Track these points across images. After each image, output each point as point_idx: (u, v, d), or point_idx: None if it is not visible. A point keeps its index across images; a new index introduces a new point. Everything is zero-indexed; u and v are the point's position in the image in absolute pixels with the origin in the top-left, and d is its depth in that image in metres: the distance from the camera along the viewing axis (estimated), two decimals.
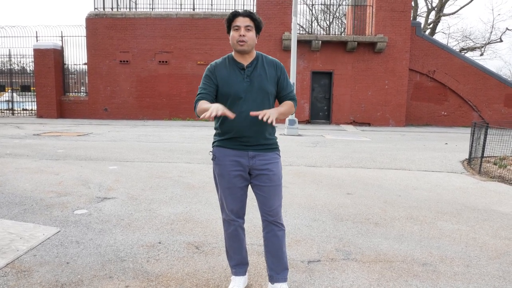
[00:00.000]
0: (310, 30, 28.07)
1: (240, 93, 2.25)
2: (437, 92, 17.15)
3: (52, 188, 4.97)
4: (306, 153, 8.23)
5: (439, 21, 27.20)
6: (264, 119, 2.06)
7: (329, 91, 16.71)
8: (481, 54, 27.93)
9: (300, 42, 15.56)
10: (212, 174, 5.76)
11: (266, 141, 2.33)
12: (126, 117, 17.03)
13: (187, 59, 16.73)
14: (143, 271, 2.75)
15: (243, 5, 16.52)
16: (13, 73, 18.56)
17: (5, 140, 9.46)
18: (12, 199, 4.43)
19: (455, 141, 11.30)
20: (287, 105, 2.35)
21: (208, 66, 2.37)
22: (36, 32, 17.49)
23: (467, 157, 8.04)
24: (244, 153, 2.30)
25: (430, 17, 27.63)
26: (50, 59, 16.74)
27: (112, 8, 17.35)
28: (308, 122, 16.71)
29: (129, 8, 17.73)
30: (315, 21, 30.49)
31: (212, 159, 2.39)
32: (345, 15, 27.57)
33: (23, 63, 18.53)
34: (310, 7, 27.00)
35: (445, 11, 27.64)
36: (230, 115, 2.06)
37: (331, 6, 28.21)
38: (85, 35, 16.91)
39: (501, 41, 27.33)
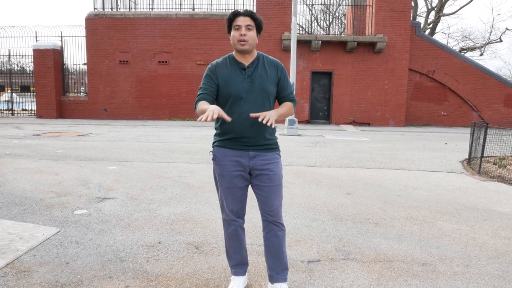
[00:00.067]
0: (310, 30, 28.08)
1: (241, 94, 2.25)
2: (437, 92, 17.15)
3: (52, 188, 4.97)
4: (306, 153, 8.23)
5: (438, 21, 27.21)
6: (264, 121, 2.04)
7: (329, 91, 16.72)
8: (481, 54, 27.95)
9: (300, 42, 15.57)
10: (212, 174, 5.78)
11: (267, 141, 2.33)
12: (126, 117, 17.02)
13: (186, 59, 16.73)
14: (143, 271, 2.75)
15: (243, 5, 16.52)
16: (13, 73, 18.54)
17: (5, 141, 9.45)
18: (12, 199, 4.43)
19: (455, 141, 11.30)
20: (287, 106, 2.34)
21: (209, 65, 2.35)
22: (36, 32, 17.49)
23: (466, 157, 8.05)
24: (245, 153, 2.30)
25: (430, 17, 27.65)
26: (50, 59, 16.73)
27: (111, 8, 17.35)
28: (308, 122, 16.71)
29: (129, 8, 17.73)
30: (315, 21, 30.50)
31: (213, 159, 2.39)
32: (344, 15, 27.59)
33: (23, 63, 18.51)
34: (310, 7, 27.00)
35: (445, 11, 27.69)
36: (227, 118, 2.03)
37: (331, 6, 28.21)
38: (84, 35, 16.90)
39: (501, 41, 27.35)
